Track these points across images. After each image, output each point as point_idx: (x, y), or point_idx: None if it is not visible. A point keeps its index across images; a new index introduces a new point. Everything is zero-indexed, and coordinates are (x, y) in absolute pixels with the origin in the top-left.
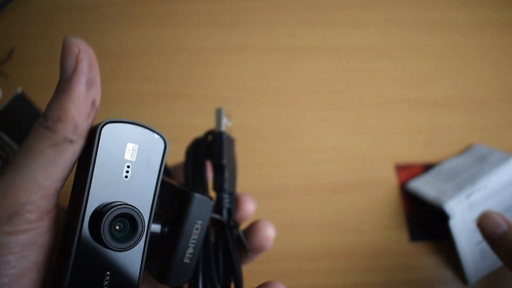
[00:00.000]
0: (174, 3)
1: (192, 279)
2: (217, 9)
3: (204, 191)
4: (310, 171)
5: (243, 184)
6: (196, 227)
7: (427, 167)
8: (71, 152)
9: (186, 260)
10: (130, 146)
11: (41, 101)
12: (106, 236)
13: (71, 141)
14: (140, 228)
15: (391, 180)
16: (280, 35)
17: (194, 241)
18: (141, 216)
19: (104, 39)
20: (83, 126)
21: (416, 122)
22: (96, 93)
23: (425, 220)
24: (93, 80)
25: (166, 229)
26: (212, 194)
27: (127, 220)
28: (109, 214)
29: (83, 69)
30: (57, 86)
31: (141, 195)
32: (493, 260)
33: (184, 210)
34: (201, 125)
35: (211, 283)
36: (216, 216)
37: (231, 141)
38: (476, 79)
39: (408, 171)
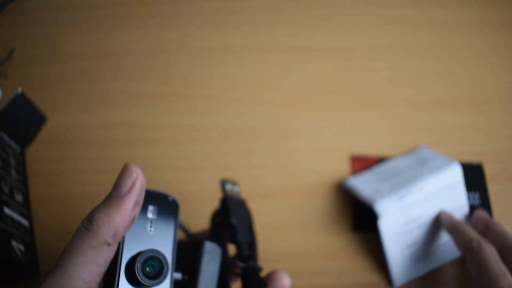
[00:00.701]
0: (174, 3)
1: None
2: (217, 9)
3: (224, 250)
4: (310, 171)
5: (243, 184)
6: (212, 267)
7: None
8: (107, 252)
9: None
10: (151, 207)
11: (41, 101)
12: (140, 274)
13: (109, 244)
14: (165, 267)
15: None
16: (280, 35)
17: (212, 281)
18: (165, 257)
19: (105, 38)
20: (121, 234)
21: (416, 122)
22: (138, 212)
23: None
24: (139, 202)
25: (186, 276)
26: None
27: (154, 262)
28: (141, 257)
29: (136, 192)
30: (108, 198)
31: (163, 244)
32: (423, 265)
33: (198, 256)
34: (201, 125)
35: None
36: (239, 263)
37: (239, 202)
38: (475, 79)
39: None
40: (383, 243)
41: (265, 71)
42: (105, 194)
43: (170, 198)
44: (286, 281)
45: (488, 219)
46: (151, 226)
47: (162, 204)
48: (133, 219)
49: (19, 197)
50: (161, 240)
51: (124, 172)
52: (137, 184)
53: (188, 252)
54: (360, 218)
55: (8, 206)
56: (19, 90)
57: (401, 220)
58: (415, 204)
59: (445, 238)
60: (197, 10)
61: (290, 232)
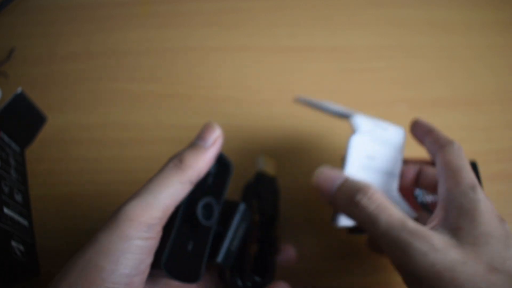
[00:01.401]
0: (175, 3)
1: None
2: (217, 9)
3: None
4: (311, 170)
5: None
6: (242, 226)
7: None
8: (187, 190)
9: (232, 249)
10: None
11: (41, 101)
12: (199, 215)
13: (191, 183)
14: (215, 214)
15: None
16: (280, 35)
17: (239, 236)
18: (216, 206)
19: (105, 39)
20: (200, 177)
21: None
22: (213, 163)
23: None
24: (216, 155)
25: (221, 228)
26: None
27: (208, 208)
28: (202, 201)
29: (217, 146)
30: (195, 146)
31: (216, 195)
32: None
33: (234, 213)
34: (201, 125)
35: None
36: (259, 229)
37: (270, 178)
38: (474, 80)
39: None
40: (347, 160)
41: (265, 71)
42: (105, 194)
43: (228, 160)
44: (292, 252)
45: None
46: (211, 178)
47: (221, 162)
48: (209, 168)
49: (18, 197)
50: (215, 191)
51: (209, 128)
52: (219, 141)
53: (225, 208)
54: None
55: (8, 206)
56: (19, 90)
57: (364, 153)
58: (382, 144)
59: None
60: (198, 10)
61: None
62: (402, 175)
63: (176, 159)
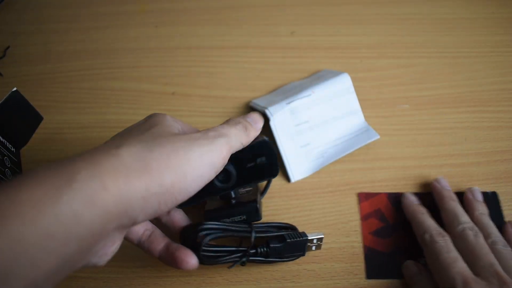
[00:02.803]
0: (172, 1)
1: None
2: (217, 8)
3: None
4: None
5: None
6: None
7: (390, 196)
8: (235, 150)
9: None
10: None
11: (36, 100)
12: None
13: (241, 145)
14: (232, 179)
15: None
16: (281, 33)
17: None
18: (232, 171)
19: (101, 36)
20: (242, 147)
21: (419, 122)
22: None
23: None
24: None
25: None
26: None
27: (224, 174)
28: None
29: (260, 127)
30: (248, 125)
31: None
32: (317, 163)
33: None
34: (201, 125)
35: None
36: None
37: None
38: (480, 77)
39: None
40: (277, 143)
41: (265, 70)
42: None
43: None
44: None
45: (471, 201)
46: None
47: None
48: (249, 141)
49: None
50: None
51: (260, 117)
52: (259, 125)
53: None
54: (373, 263)
55: None
56: (14, 89)
57: (291, 123)
58: (305, 108)
59: (337, 138)
60: (196, 8)
61: None
62: None
63: (243, 124)
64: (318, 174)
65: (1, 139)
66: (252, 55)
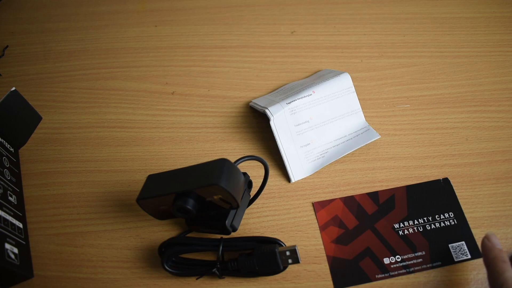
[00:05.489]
0: (172, 0)
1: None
2: (217, 7)
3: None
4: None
5: None
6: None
7: (345, 201)
8: None
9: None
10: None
11: (35, 100)
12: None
13: None
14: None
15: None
16: (281, 32)
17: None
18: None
19: (100, 36)
20: None
21: (420, 121)
22: None
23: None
24: None
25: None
26: None
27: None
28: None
29: None
30: None
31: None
32: (317, 163)
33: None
34: (201, 124)
35: None
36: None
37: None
38: (481, 77)
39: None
40: (277, 143)
41: (265, 70)
42: (101, 195)
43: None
44: None
45: None
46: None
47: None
48: None
49: (12, 199)
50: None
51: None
52: None
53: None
54: (338, 273)
55: (1, 208)
56: (13, 88)
57: (292, 123)
58: (305, 108)
59: (338, 138)
60: (196, 7)
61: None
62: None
63: None
64: (318, 174)
65: (0, 139)
66: (252, 54)
